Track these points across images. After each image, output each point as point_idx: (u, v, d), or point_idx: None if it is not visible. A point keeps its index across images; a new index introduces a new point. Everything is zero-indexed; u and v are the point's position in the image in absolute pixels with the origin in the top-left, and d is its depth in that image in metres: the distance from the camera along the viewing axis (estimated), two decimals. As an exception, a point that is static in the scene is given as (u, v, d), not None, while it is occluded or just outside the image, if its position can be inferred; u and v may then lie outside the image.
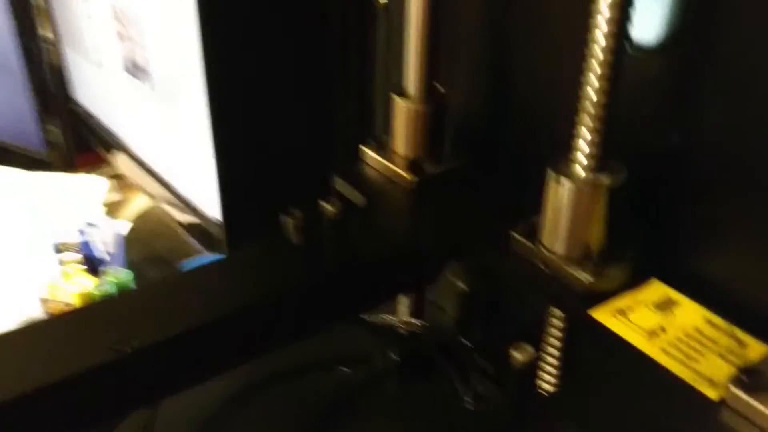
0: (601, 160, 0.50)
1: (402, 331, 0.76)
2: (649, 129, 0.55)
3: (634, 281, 0.52)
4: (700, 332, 0.49)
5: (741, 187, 0.51)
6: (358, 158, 0.68)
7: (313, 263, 0.55)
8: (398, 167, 0.64)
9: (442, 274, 0.76)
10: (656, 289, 0.52)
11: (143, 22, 0.84)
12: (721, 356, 0.47)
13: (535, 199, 0.56)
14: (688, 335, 0.48)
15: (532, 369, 0.53)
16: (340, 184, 0.65)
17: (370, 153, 0.67)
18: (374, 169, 0.66)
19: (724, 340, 0.48)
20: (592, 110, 0.49)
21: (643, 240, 0.54)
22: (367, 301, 0.60)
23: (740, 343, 0.48)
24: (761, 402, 0.42)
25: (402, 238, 0.58)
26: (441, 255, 0.59)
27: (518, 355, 0.40)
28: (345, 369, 0.76)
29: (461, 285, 0.78)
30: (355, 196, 0.63)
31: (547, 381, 0.56)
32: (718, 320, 0.50)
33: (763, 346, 0.47)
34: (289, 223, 0.56)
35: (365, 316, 0.74)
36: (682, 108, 0.54)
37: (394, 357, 0.76)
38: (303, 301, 0.54)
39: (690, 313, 0.50)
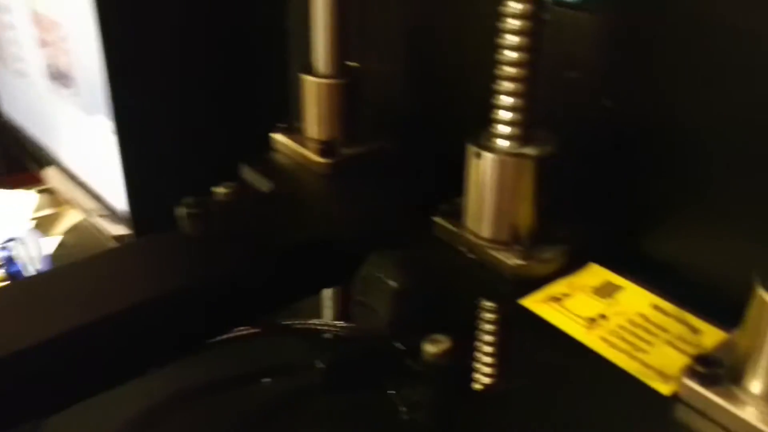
0: (525, 128, 0.44)
1: (329, 336, 0.69)
2: (582, 95, 0.49)
3: (572, 265, 0.46)
4: (647, 319, 0.42)
5: (689, 159, 0.45)
6: (268, 146, 0.61)
7: (211, 256, 0.48)
8: (309, 151, 0.57)
9: (370, 271, 0.70)
10: (596, 274, 0.46)
11: (63, 24, 0.77)
12: (672, 345, 0.41)
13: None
14: (633, 323, 0.42)
15: (464, 367, 0.46)
16: (247, 172, 0.58)
17: (280, 138, 0.59)
18: (285, 155, 0.59)
19: (675, 327, 0.42)
20: (510, 71, 0.42)
21: (581, 219, 0.48)
22: (279, 299, 0.53)
23: (693, 329, 0.42)
24: (719, 395, 0.36)
25: (313, 226, 0.51)
26: (358, 244, 0.52)
27: (430, 348, 0.33)
28: (267, 381, 0.69)
29: (391, 282, 0.71)
30: (262, 183, 0.56)
31: (482, 379, 0.49)
32: (667, 305, 0.43)
33: (719, 332, 0.41)
34: (182, 212, 0.49)
35: (288, 322, 0.67)
36: (618, 72, 0.48)
37: (321, 365, 0.68)
38: (199, 300, 0.47)
39: (635, 299, 0.44)
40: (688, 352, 0.40)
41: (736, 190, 0.44)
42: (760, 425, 0.35)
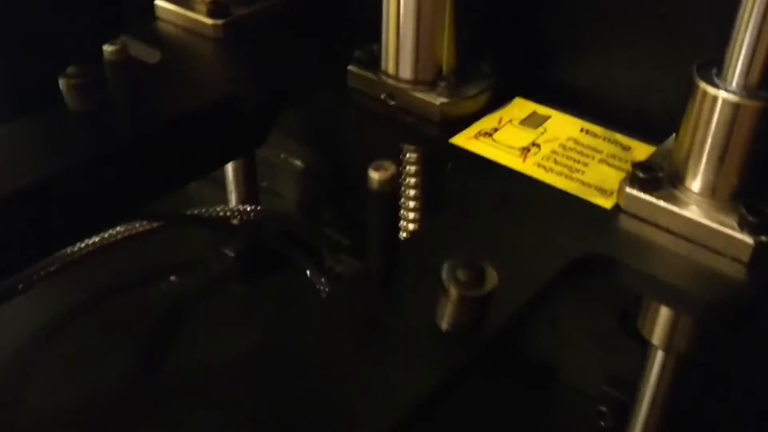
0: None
1: (236, 222, 0.65)
2: None
3: (496, 101, 0.44)
4: (578, 142, 0.42)
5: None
6: (149, 13, 0.55)
7: (100, 130, 0.43)
8: (198, 13, 0.51)
9: (272, 152, 0.66)
10: (522, 106, 0.44)
11: None
12: (606, 163, 0.40)
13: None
14: (565, 147, 0.41)
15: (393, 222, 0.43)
16: (131, 44, 0.52)
17: (164, 4, 0.54)
18: (171, 21, 0.53)
19: (606, 147, 0.41)
20: None
21: (501, 53, 0.46)
22: (181, 172, 0.48)
23: (624, 147, 0.41)
24: (662, 198, 0.36)
25: (209, 90, 0.46)
26: (263, 105, 0.48)
27: (375, 175, 0.30)
28: (175, 278, 0.65)
29: (296, 162, 0.68)
30: (149, 54, 0.50)
31: (409, 227, 0.48)
32: (595, 128, 0.43)
33: (649, 146, 0.41)
34: (64, 84, 0.43)
35: (190, 212, 0.63)
36: None
37: (231, 254, 0.65)
38: (88, 180, 0.42)
39: (563, 125, 0.43)
40: (622, 168, 0.40)
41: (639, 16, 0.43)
42: (703, 220, 0.35)
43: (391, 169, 0.31)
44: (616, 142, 0.41)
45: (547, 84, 0.46)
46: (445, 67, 0.43)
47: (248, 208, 0.63)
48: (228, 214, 0.63)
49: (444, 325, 0.31)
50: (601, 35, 0.45)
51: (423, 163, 0.47)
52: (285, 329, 0.34)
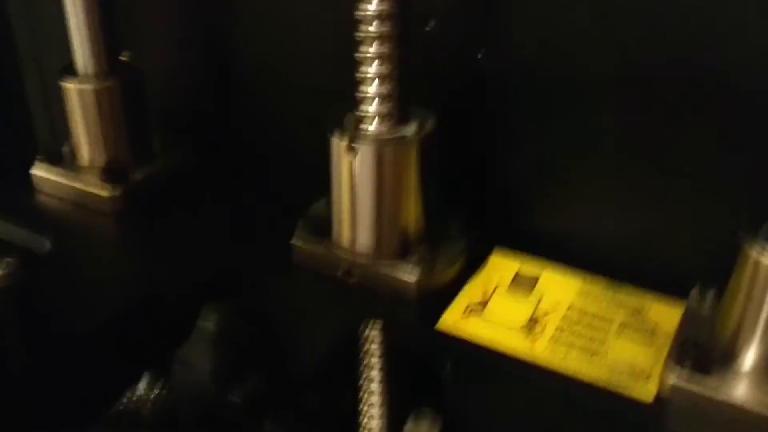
0: (400, 103, 0.34)
1: (146, 411, 0.54)
2: (450, 55, 0.40)
3: (474, 263, 0.38)
4: (583, 312, 0.35)
5: (569, 116, 0.39)
6: (25, 186, 0.44)
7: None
8: (88, 183, 0.42)
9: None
10: (503, 266, 0.38)
11: None
12: (624, 336, 0.34)
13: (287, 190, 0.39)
14: (571, 320, 0.35)
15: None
16: (5, 230, 0.42)
17: (42, 174, 0.44)
18: (53, 195, 0.43)
19: (615, 313, 0.35)
20: (374, 29, 0.32)
21: (470, 207, 0.39)
22: (93, 403, 0.38)
23: (633, 310, 0.35)
24: (714, 385, 0.30)
25: (120, 295, 0.37)
26: (186, 302, 0.39)
27: (413, 427, 0.23)
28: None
29: (208, 325, 0.58)
30: (34, 241, 0.40)
31: (377, 426, 0.39)
32: (593, 287, 0.37)
33: (661, 305, 0.35)
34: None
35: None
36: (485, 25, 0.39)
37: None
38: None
39: (557, 288, 0.36)
40: (644, 340, 0.34)
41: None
42: (760, 408, 0.29)
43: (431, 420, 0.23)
44: (622, 305, 0.35)
45: (522, 233, 0.40)
46: (414, 234, 0.36)
47: (156, 393, 0.53)
48: (133, 404, 0.52)
49: None
50: (579, 173, 0.40)
51: (386, 346, 0.40)
52: None
